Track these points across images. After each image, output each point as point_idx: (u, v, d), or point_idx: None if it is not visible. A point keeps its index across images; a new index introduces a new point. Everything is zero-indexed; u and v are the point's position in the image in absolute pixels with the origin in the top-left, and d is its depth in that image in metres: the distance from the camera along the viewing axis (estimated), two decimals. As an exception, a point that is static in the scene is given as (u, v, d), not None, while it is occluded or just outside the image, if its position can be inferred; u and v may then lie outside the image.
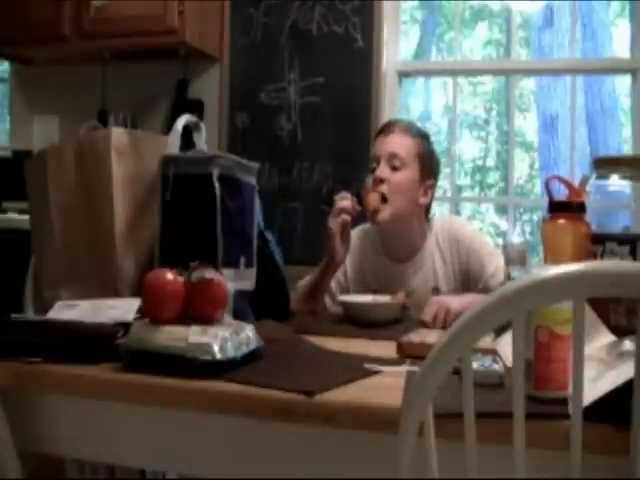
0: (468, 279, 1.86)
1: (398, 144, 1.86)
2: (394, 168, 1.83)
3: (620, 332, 1.06)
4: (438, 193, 2.13)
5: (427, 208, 1.95)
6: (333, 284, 1.92)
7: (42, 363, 1.11)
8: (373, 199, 1.79)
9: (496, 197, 6.54)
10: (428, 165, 1.90)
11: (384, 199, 1.81)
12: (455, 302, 1.58)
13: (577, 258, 1.23)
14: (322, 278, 1.83)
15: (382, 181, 1.82)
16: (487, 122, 6.76)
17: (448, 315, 1.54)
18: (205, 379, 1.02)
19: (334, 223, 1.75)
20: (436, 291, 1.87)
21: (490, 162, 6.78)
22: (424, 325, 1.53)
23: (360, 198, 1.78)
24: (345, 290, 1.93)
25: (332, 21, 3.12)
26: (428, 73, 3.94)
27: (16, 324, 1.20)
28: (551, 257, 1.31)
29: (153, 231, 1.40)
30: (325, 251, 1.79)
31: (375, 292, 1.83)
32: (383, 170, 1.83)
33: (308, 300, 1.84)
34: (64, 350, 1.12)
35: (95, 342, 1.13)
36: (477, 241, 1.90)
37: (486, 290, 1.75)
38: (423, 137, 1.94)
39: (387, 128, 1.91)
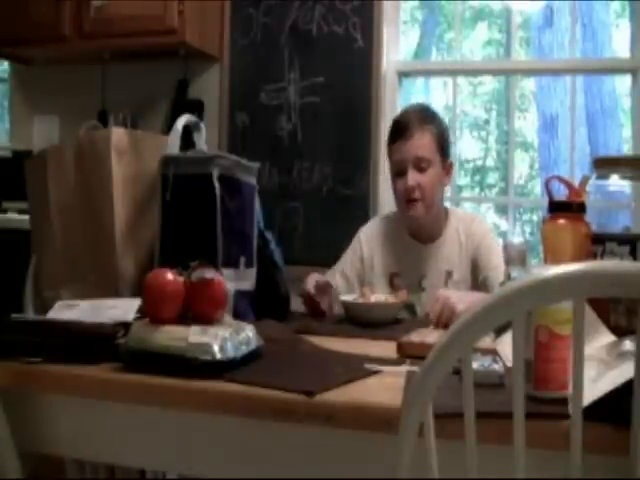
0: (475, 268, 1.94)
1: (421, 146, 1.93)
2: (421, 169, 1.92)
3: (620, 332, 1.06)
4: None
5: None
6: (349, 270, 2.03)
7: (42, 363, 1.11)
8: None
9: (496, 197, 6.54)
10: (445, 145, 2.00)
11: (415, 200, 1.92)
12: (461, 304, 1.54)
13: (577, 258, 1.23)
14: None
15: (414, 188, 1.91)
16: (487, 122, 6.77)
17: (452, 316, 1.51)
18: (205, 379, 1.02)
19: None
20: (449, 275, 1.95)
21: (490, 162, 6.78)
22: (428, 317, 1.54)
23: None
24: (361, 275, 2.03)
25: (332, 21, 3.12)
26: (428, 73, 3.94)
27: (16, 324, 1.20)
28: (551, 257, 1.31)
29: (153, 231, 1.41)
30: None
31: (393, 275, 1.94)
32: (413, 177, 1.91)
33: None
34: (64, 350, 1.12)
35: (95, 342, 1.13)
36: (490, 237, 2.01)
37: (485, 281, 1.88)
38: (435, 118, 2.01)
39: (406, 131, 1.93)
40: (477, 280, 1.92)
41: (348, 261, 2.05)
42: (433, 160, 1.94)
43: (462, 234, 2.00)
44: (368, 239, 2.07)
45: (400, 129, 1.96)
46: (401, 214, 2.02)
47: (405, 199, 1.94)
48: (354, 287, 1.99)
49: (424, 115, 2.00)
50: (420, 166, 1.92)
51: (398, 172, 1.95)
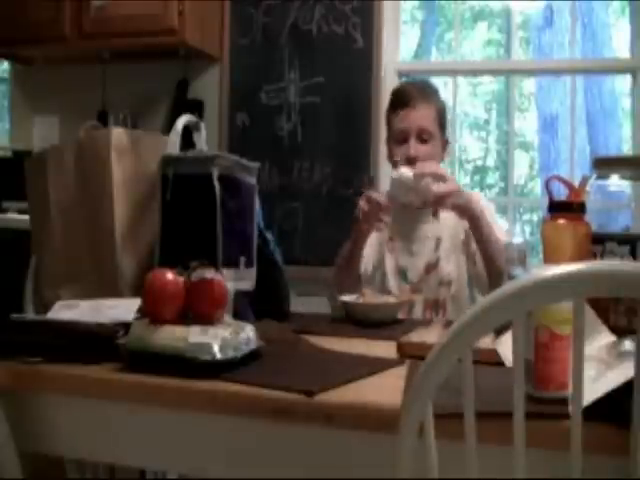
0: (469, 238, 1.94)
1: (425, 117, 1.97)
2: (422, 141, 1.96)
3: (620, 332, 1.06)
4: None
5: None
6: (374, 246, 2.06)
7: (42, 363, 1.11)
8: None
9: (496, 197, 6.54)
10: (445, 122, 2.04)
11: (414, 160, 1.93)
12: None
13: (577, 258, 1.23)
14: (354, 247, 1.93)
15: (415, 158, 1.93)
16: (487, 122, 6.77)
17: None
18: (205, 379, 1.02)
19: (364, 225, 1.85)
20: (438, 241, 2.00)
21: (490, 162, 6.79)
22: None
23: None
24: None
25: (332, 21, 3.12)
26: (428, 73, 3.92)
27: (16, 324, 1.20)
28: (551, 257, 1.31)
29: (153, 231, 1.40)
30: (354, 228, 1.89)
31: (390, 238, 2.02)
32: (414, 147, 1.95)
33: (344, 271, 1.96)
34: (64, 350, 1.12)
35: (95, 342, 1.13)
36: (486, 210, 1.97)
37: (475, 254, 1.92)
38: (437, 93, 2.06)
39: (411, 101, 1.96)
40: (470, 249, 1.94)
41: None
42: (434, 133, 1.98)
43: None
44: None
45: (405, 98, 1.99)
46: None
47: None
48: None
49: (428, 89, 2.05)
50: (422, 137, 1.96)
51: (399, 140, 1.98)
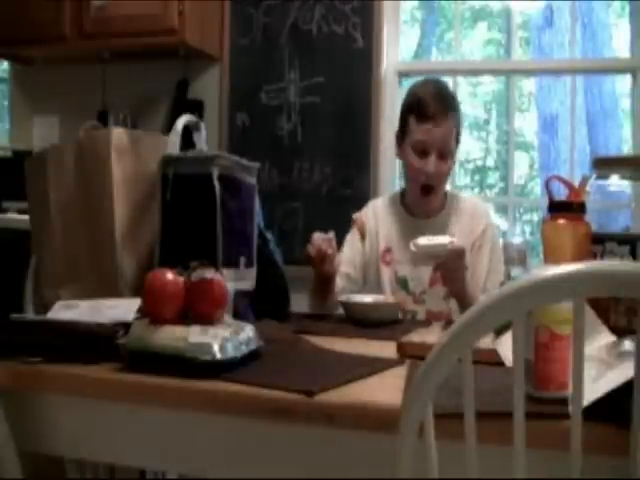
0: (470, 251, 1.92)
1: (447, 135, 1.93)
2: (442, 156, 1.93)
3: (620, 332, 1.06)
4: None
5: None
6: (348, 252, 2.02)
7: (42, 363, 1.11)
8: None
9: (496, 197, 6.54)
10: (460, 130, 2.00)
11: (431, 188, 1.95)
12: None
13: (577, 258, 1.23)
14: (320, 285, 1.87)
15: (433, 175, 1.93)
16: (487, 122, 6.77)
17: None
18: (205, 379, 1.02)
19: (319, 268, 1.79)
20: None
21: (490, 162, 6.79)
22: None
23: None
24: (361, 252, 2.02)
25: (332, 21, 3.12)
26: (428, 73, 3.91)
27: (16, 324, 1.20)
28: (551, 257, 1.31)
29: (153, 231, 1.40)
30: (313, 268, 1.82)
31: (385, 251, 1.99)
32: (433, 164, 1.92)
33: (316, 306, 1.90)
34: (64, 350, 1.12)
35: (95, 342, 1.13)
36: (494, 233, 2.02)
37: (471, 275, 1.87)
38: (456, 102, 2.02)
39: (435, 117, 1.90)
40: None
41: (350, 250, 2.03)
42: (452, 147, 1.95)
43: (464, 220, 1.99)
44: (368, 218, 2.07)
45: (428, 111, 1.91)
46: (410, 192, 2.03)
47: (422, 183, 1.95)
48: (359, 276, 2.00)
49: (448, 101, 1.97)
50: (442, 153, 1.92)
51: (418, 150, 1.93)
